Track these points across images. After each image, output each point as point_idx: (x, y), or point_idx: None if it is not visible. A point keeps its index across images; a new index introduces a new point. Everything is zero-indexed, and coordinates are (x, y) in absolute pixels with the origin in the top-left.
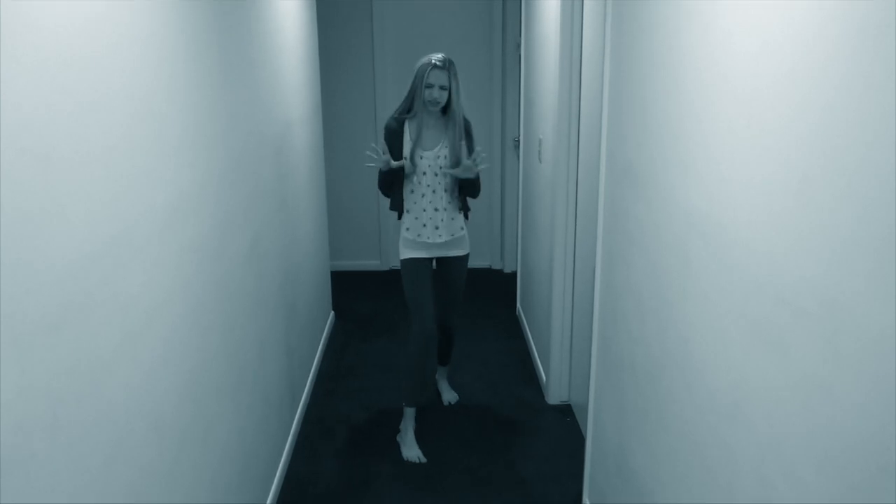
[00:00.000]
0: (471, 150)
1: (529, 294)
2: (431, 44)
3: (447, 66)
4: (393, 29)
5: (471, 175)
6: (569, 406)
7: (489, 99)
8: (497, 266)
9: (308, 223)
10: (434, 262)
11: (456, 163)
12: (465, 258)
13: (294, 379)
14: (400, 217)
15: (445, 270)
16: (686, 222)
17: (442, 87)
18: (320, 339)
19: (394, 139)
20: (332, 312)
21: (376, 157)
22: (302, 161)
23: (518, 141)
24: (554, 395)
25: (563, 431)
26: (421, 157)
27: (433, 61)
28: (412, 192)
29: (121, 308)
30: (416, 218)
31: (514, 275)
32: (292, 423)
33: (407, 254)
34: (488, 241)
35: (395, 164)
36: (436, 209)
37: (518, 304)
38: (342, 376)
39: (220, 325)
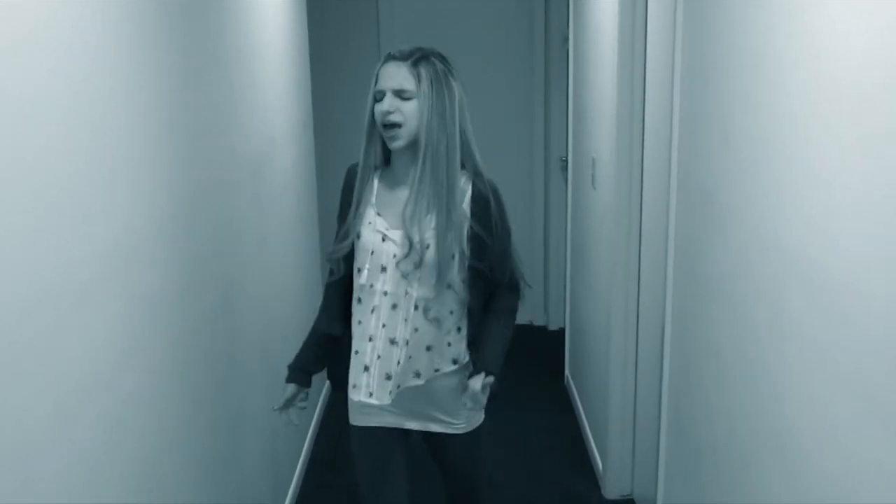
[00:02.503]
0: (482, 250)
1: (581, 357)
2: (454, 40)
3: (414, 55)
4: (403, 26)
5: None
6: (632, 501)
7: (529, 107)
8: (540, 322)
9: (296, 267)
10: (413, 433)
11: (441, 271)
12: (472, 434)
13: (279, 468)
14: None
15: (439, 452)
16: (780, 264)
17: (400, 95)
18: (312, 417)
19: (348, 199)
20: (328, 382)
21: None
22: (288, 187)
23: (566, 161)
24: (613, 488)
25: None
26: (384, 241)
27: (389, 52)
28: (359, 301)
29: (52, 378)
30: (357, 352)
31: (561, 333)
32: None
33: (356, 417)
34: (528, 290)
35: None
36: (392, 341)
37: (566, 371)
38: (340, 465)
39: (183, 400)
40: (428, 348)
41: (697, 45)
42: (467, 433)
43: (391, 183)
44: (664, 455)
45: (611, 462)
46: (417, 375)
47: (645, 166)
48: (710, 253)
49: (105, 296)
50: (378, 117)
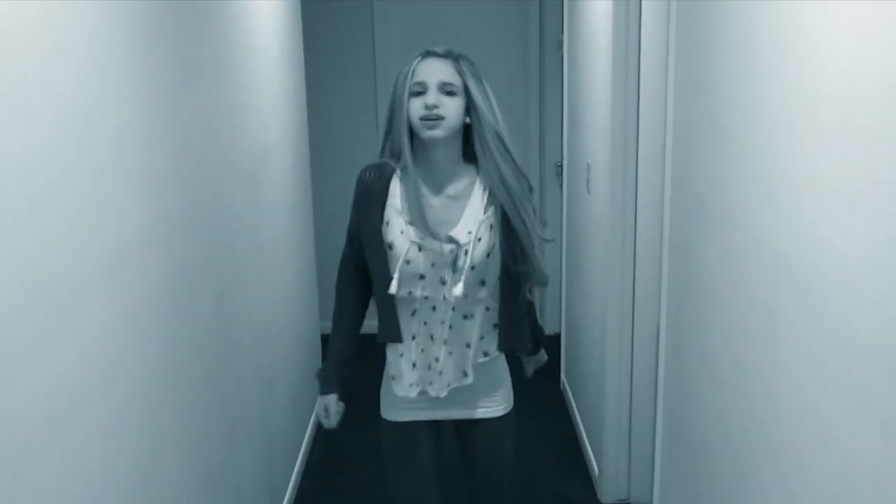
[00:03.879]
0: (521, 241)
1: (576, 363)
2: (448, 45)
3: (454, 52)
4: (398, 31)
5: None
6: None
7: (524, 112)
8: None
9: (292, 274)
10: (444, 426)
11: (505, 270)
12: (506, 420)
13: (274, 474)
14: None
15: (469, 442)
16: (774, 269)
17: (445, 90)
18: (308, 423)
19: (369, 205)
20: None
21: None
22: (284, 193)
23: (561, 166)
24: (609, 492)
25: None
26: (420, 250)
27: (426, 50)
28: (394, 305)
29: (45, 385)
30: (404, 356)
31: (556, 338)
32: None
33: (391, 412)
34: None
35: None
36: (431, 337)
37: (562, 376)
38: (335, 470)
39: (177, 407)
40: (467, 345)
41: (690, 50)
42: (502, 417)
43: (418, 186)
44: (660, 459)
45: (607, 466)
46: (465, 374)
47: (639, 171)
48: (705, 257)
49: (97, 302)
50: (418, 112)
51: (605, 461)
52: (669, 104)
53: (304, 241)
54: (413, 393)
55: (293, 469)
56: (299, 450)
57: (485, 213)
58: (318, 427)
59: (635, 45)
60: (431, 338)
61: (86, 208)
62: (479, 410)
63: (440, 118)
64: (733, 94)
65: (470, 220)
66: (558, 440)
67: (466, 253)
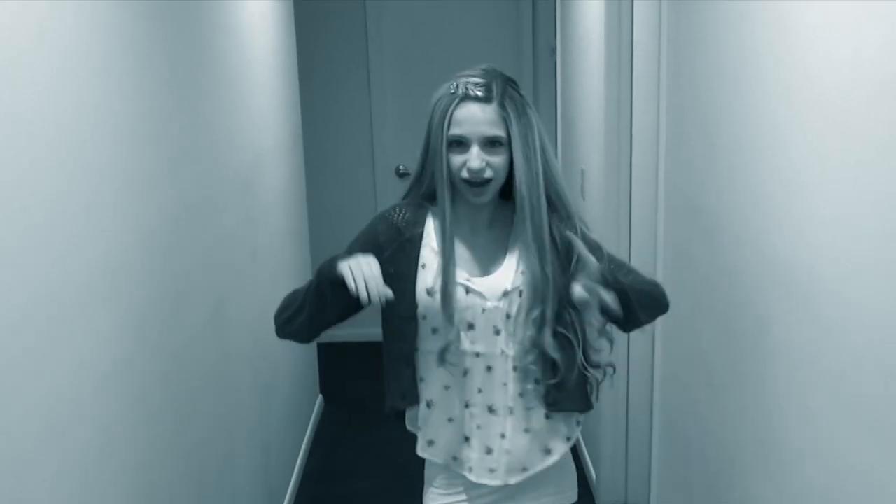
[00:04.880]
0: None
1: None
2: (441, 50)
3: (495, 90)
4: (391, 35)
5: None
6: None
7: None
8: None
9: (287, 279)
10: None
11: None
12: None
13: (272, 481)
14: (403, 418)
15: None
16: (765, 270)
17: (490, 145)
18: (305, 431)
19: (400, 248)
20: (321, 396)
21: (355, 282)
22: (279, 199)
23: None
24: (606, 497)
25: None
26: (468, 293)
27: (462, 84)
28: (444, 363)
29: (42, 396)
30: (451, 420)
31: None
32: None
33: (437, 498)
34: None
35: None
36: (491, 409)
37: None
38: (334, 478)
39: (173, 415)
40: (547, 416)
41: (682, 58)
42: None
43: (458, 225)
44: (656, 464)
45: (603, 472)
46: (548, 452)
47: (633, 177)
48: (698, 261)
49: (95, 310)
50: (461, 172)
51: (601, 466)
52: (662, 110)
53: (299, 247)
54: (467, 472)
55: (291, 476)
56: (297, 457)
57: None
58: (317, 434)
59: (628, 52)
60: (490, 409)
61: (83, 218)
62: (554, 499)
63: (486, 182)
64: (722, 98)
65: (518, 257)
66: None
67: (521, 294)
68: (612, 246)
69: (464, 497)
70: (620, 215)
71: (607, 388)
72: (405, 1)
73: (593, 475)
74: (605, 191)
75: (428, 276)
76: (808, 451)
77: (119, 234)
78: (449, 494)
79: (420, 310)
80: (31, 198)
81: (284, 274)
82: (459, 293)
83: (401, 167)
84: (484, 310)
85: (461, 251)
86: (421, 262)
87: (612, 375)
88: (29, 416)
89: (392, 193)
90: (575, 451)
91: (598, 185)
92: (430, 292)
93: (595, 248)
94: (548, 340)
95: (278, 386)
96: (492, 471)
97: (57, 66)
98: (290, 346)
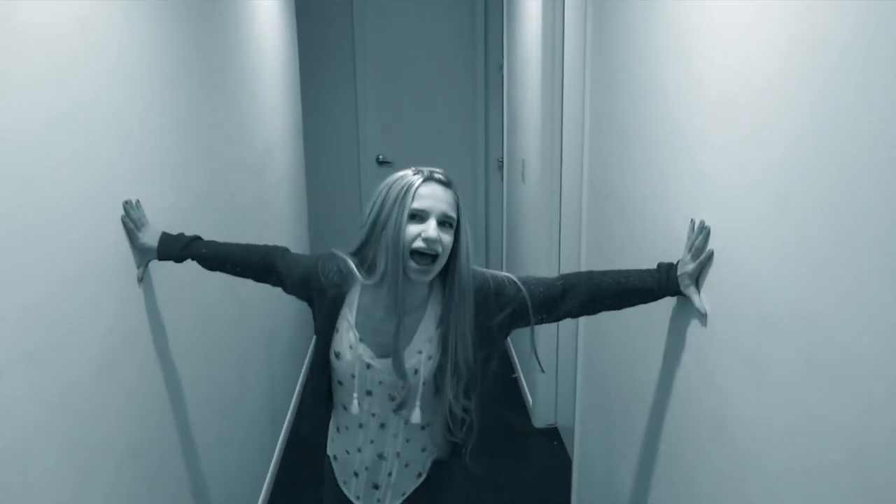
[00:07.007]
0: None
1: None
2: (411, 71)
3: (453, 184)
4: (374, 48)
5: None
6: (556, 429)
7: (472, 119)
8: None
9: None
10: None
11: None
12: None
13: (276, 404)
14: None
15: None
16: (665, 238)
17: (444, 224)
18: (303, 363)
19: (322, 302)
20: (315, 336)
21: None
22: (283, 184)
23: (501, 162)
24: (541, 419)
25: (550, 455)
26: (368, 368)
27: (426, 169)
28: (343, 408)
29: (97, 339)
30: (336, 458)
31: None
32: (274, 449)
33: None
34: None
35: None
36: (380, 456)
37: None
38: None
39: (203, 353)
40: (423, 450)
41: (602, 70)
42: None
43: (374, 305)
44: (580, 393)
45: (539, 399)
46: (419, 476)
47: (563, 165)
48: (614, 233)
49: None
50: (412, 241)
51: (537, 395)
52: (586, 112)
53: (298, 222)
54: (354, 499)
55: (291, 400)
56: (296, 384)
57: (437, 329)
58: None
59: (560, 67)
60: (380, 456)
61: (133, 195)
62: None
63: (435, 256)
64: (632, 101)
65: (423, 338)
66: (500, 379)
67: (416, 372)
68: (546, 221)
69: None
70: (553, 197)
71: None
72: (385, 20)
73: (530, 401)
74: (541, 177)
75: (337, 341)
76: (693, 377)
77: (162, 211)
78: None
79: (333, 368)
80: (88, 179)
81: (286, 244)
82: (360, 366)
83: (380, 156)
84: (381, 382)
85: (368, 328)
86: (336, 327)
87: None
88: (83, 355)
89: (373, 178)
90: (515, 382)
91: (535, 173)
92: (338, 356)
93: (526, 283)
94: (438, 409)
95: (281, 329)
96: (378, 501)
97: (112, 79)
98: (291, 297)
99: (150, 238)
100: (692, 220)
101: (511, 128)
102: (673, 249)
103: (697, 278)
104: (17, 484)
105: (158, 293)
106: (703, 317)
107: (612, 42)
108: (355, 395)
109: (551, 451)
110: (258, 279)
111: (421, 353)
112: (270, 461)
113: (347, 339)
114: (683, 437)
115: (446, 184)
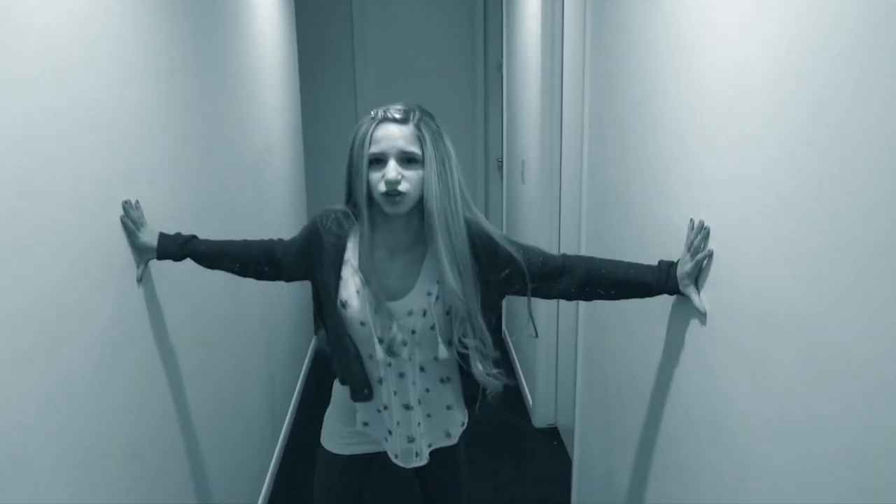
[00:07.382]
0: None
1: (513, 315)
2: (412, 70)
3: (412, 116)
4: (373, 48)
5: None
6: (556, 429)
7: (472, 119)
8: None
9: None
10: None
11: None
12: (455, 450)
13: (275, 405)
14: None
15: (438, 474)
16: (663, 236)
17: (406, 160)
18: (302, 364)
19: (323, 257)
20: (315, 337)
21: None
22: (282, 183)
23: (501, 162)
24: (540, 419)
25: (550, 455)
26: (377, 312)
27: (382, 110)
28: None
29: (96, 338)
30: (378, 412)
31: None
32: (274, 449)
33: (331, 441)
34: None
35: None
36: (406, 406)
37: (503, 326)
38: (327, 402)
39: (201, 352)
40: (448, 407)
41: (601, 71)
42: (451, 445)
43: (375, 248)
44: (580, 392)
45: (538, 399)
46: (448, 436)
47: (563, 165)
48: (613, 234)
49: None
50: (379, 185)
51: (537, 394)
52: (586, 112)
53: (298, 222)
54: (392, 457)
55: (291, 400)
56: (296, 385)
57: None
58: (312, 366)
59: (559, 67)
60: (406, 406)
61: (134, 192)
62: (449, 439)
63: (402, 194)
64: (632, 102)
65: (428, 280)
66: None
67: (425, 314)
68: (546, 220)
69: (358, 443)
70: (553, 195)
71: (541, 337)
72: (385, 20)
73: (530, 401)
74: (541, 176)
75: (344, 290)
76: (693, 377)
77: (162, 210)
78: (342, 439)
79: (343, 319)
80: (93, 176)
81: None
82: (368, 311)
83: None
84: (396, 328)
85: (377, 275)
86: (341, 274)
87: (492, 393)
88: (83, 355)
89: None
90: (513, 377)
91: (535, 172)
92: (344, 305)
93: (526, 250)
94: (448, 351)
95: (280, 328)
96: (417, 455)
97: (111, 78)
98: (291, 297)
99: (149, 238)
100: (691, 220)
101: (510, 128)
102: (673, 250)
103: (697, 278)
104: (16, 484)
105: (158, 293)
106: (702, 316)
107: (611, 42)
108: (376, 339)
109: (551, 451)
110: (257, 273)
111: (430, 294)
112: (270, 460)
113: (354, 284)
114: (683, 436)
115: (401, 120)
